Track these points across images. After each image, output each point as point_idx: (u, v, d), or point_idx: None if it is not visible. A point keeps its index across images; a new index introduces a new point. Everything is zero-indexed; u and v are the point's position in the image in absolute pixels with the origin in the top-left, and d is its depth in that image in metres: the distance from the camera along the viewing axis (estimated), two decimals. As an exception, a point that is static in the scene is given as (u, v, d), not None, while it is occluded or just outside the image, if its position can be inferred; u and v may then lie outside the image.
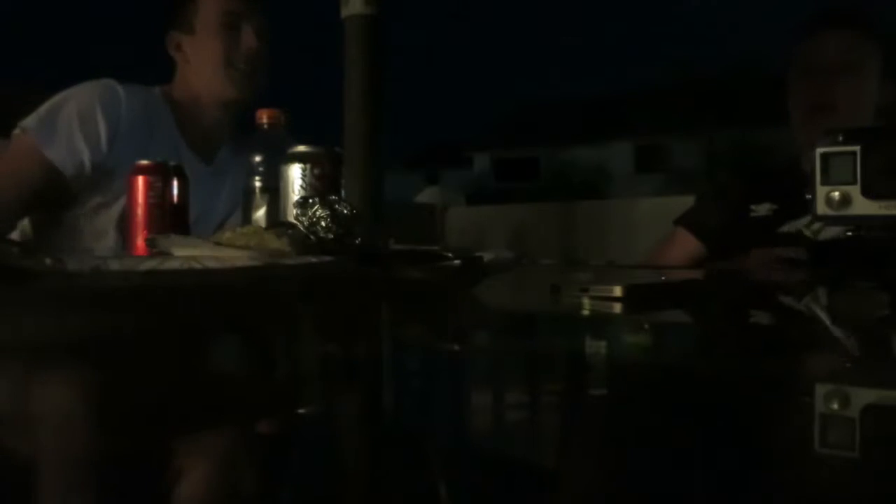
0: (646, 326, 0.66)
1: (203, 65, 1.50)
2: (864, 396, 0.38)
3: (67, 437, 0.30)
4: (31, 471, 0.26)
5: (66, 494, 0.24)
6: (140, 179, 1.10)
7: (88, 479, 0.25)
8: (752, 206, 1.40)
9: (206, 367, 0.47)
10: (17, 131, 1.41)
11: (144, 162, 1.13)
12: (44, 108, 1.40)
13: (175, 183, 1.12)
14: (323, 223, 0.82)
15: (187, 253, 0.73)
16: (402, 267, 0.81)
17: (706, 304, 0.83)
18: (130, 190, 1.11)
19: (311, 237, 0.82)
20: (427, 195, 7.79)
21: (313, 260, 0.73)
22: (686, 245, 1.47)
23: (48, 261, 0.60)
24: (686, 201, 1.61)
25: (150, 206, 1.10)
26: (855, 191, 0.95)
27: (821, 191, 0.97)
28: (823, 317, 0.74)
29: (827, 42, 1.35)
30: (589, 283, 0.77)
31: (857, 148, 0.96)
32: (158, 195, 1.10)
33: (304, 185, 1.03)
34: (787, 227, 1.31)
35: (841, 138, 0.99)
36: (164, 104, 1.51)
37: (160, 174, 1.11)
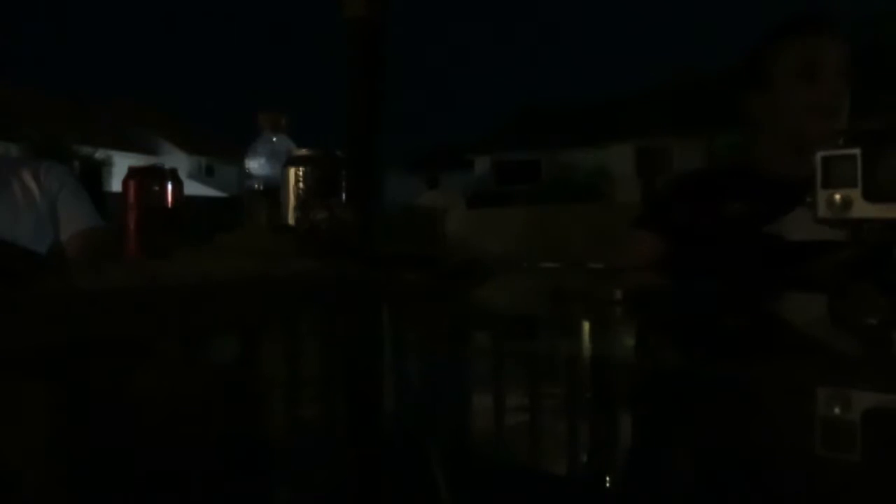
0: (645, 328, 0.66)
1: None
2: (864, 399, 0.37)
3: (68, 437, 0.30)
4: (31, 472, 0.26)
5: (66, 495, 0.23)
6: (136, 183, 1.10)
7: (87, 479, 0.25)
8: (724, 205, 1.40)
9: (206, 369, 0.47)
10: None
11: (139, 165, 1.13)
12: None
13: (169, 186, 1.12)
14: (323, 226, 0.82)
15: (187, 255, 0.73)
16: (403, 270, 0.81)
17: (705, 305, 0.83)
18: (125, 193, 1.10)
19: (312, 240, 0.82)
20: (427, 198, 7.80)
21: (313, 263, 0.73)
22: (648, 247, 1.47)
23: (48, 262, 0.60)
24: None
25: (146, 210, 1.09)
26: (856, 194, 0.95)
27: (822, 194, 0.97)
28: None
29: (823, 45, 1.37)
30: (589, 285, 0.77)
31: (857, 151, 0.96)
32: (153, 198, 1.10)
33: (305, 189, 1.03)
34: (772, 227, 1.32)
35: (841, 141, 0.99)
36: None
37: (155, 177, 1.11)
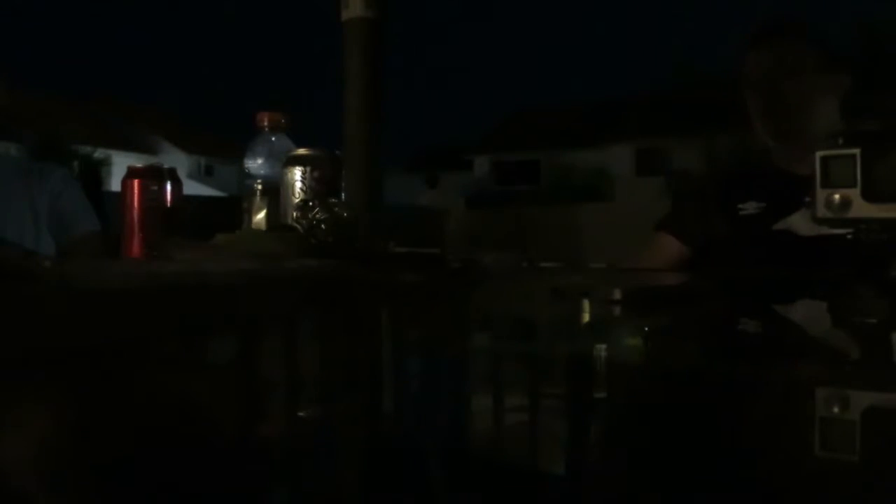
0: (645, 329, 0.66)
1: None
2: (863, 399, 0.37)
3: (67, 439, 0.30)
4: (30, 476, 0.26)
5: (67, 496, 0.24)
6: (135, 183, 1.10)
7: (86, 481, 0.25)
8: (739, 205, 1.42)
9: (205, 369, 0.47)
10: None
11: (138, 165, 1.13)
12: None
13: (169, 185, 1.12)
14: (323, 226, 0.82)
15: (187, 255, 0.73)
16: (403, 270, 0.81)
17: (704, 306, 0.83)
18: (124, 193, 1.10)
19: (311, 240, 0.82)
20: (427, 198, 7.80)
21: (313, 263, 0.73)
22: (669, 249, 1.48)
23: (47, 263, 0.60)
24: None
25: (145, 209, 1.09)
26: (855, 194, 0.95)
27: (821, 193, 0.97)
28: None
29: (772, 50, 1.42)
30: (589, 286, 0.77)
31: (856, 151, 0.96)
32: (153, 198, 1.10)
33: (304, 188, 1.03)
34: (780, 224, 1.32)
35: (841, 141, 0.99)
36: None
37: (154, 177, 1.11)
